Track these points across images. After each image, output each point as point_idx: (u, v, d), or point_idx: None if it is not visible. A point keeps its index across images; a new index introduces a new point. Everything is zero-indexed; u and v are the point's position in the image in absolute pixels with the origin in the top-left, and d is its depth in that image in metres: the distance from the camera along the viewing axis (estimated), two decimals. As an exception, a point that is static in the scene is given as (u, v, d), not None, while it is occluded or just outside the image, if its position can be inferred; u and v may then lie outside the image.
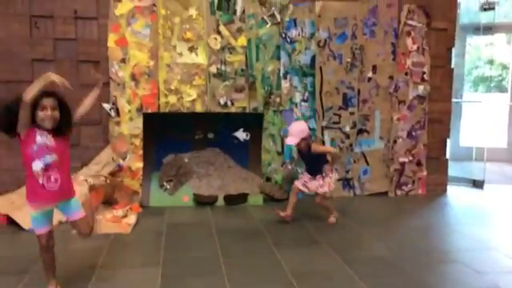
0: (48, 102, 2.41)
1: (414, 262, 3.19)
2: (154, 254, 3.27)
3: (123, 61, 4.59)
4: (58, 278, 2.77)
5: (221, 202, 4.66)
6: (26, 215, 3.84)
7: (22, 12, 4.45)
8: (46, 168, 2.41)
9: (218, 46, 4.73)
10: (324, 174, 4.00)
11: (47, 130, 2.43)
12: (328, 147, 4.31)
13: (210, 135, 4.81)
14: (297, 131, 3.94)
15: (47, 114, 2.40)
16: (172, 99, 4.69)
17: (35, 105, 2.38)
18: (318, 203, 4.09)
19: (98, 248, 3.38)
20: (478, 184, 5.70)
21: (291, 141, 3.94)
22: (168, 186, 4.66)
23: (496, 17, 6.12)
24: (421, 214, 4.52)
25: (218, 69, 4.75)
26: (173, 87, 4.69)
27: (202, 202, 4.62)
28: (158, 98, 4.68)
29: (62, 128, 2.47)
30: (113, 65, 4.57)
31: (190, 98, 4.73)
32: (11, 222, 3.85)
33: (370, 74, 5.06)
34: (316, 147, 4.04)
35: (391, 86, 5.12)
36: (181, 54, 4.69)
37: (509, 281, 2.93)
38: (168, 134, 4.63)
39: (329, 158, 4.09)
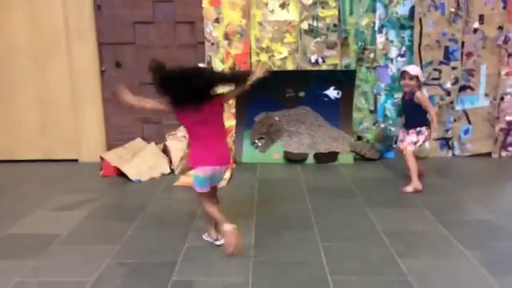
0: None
1: (520, 228, 2.98)
2: (248, 207, 3.42)
3: (217, 20, 4.68)
4: (160, 221, 3.04)
5: (311, 160, 4.69)
6: (133, 167, 4.22)
7: (122, -24, 4.69)
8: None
9: (310, 1, 4.61)
10: (418, 130, 3.76)
11: None
12: (431, 106, 3.84)
13: (301, 93, 4.79)
14: (417, 68, 3.87)
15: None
16: (263, 57, 4.72)
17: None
18: (406, 161, 3.81)
19: (196, 199, 3.61)
20: None
21: (412, 70, 3.73)
22: (259, 144, 4.79)
23: None
24: (529, 178, 4.17)
25: (309, 25, 4.65)
26: (264, 45, 4.71)
27: (292, 159, 4.69)
28: (250, 57, 4.74)
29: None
30: (207, 25, 4.68)
31: (282, 56, 4.73)
32: (120, 174, 4.25)
33: (476, 25, 4.63)
34: (421, 96, 3.74)
35: (500, 38, 4.65)
36: (272, 12, 4.66)
37: None
38: (259, 92, 4.69)
39: (429, 116, 3.80)
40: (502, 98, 4.73)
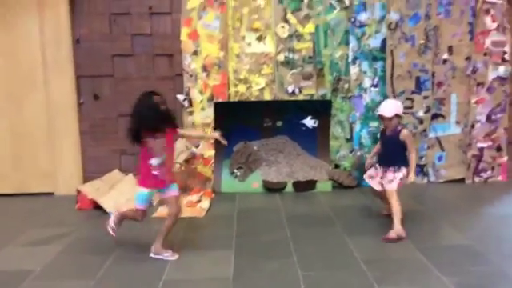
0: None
1: (497, 252, 3.03)
2: (226, 238, 3.40)
3: (195, 53, 4.75)
4: (137, 254, 3.00)
5: (290, 188, 4.71)
6: (110, 200, 4.16)
7: (103, 11, 4.75)
8: (161, 164, 3.01)
9: (286, 34, 4.75)
10: (397, 168, 3.45)
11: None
12: (414, 148, 3.50)
13: (279, 123, 4.86)
14: (392, 106, 3.51)
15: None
16: (241, 88, 4.80)
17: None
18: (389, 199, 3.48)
19: (174, 231, 3.57)
20: None
21: (387, 112, 3.42)
22: (238, 173, 4.80)
23: None
24: (501, 203, 4.27)
25: (285, 57, 4.77)
26: (242, 77, 4.80)
27: (271, 188, 4.71)
28: (228, 88, 4.81)
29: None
30: (185, 57, 4.75)
31: (259, 87, 4.81)
32: (97, 207, 4.18)
33: (445, 56, 4.83)
34: (408, 134, 3.45)
35: (469, 68, 4.85)
36: (249, 44, 4.77)
37: None
38: (238, 122, 4.75)
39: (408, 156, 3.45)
40: (473, 126, 4.89)
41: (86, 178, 4.75)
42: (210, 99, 4.79)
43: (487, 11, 4.77)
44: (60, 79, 4.69)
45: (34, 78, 4.70)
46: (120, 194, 4.28)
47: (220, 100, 4.77)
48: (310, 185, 4.71)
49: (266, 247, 3.23)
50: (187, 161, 4.65)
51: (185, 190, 4.46)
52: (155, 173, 2.98)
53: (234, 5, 4.72)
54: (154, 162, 2.96)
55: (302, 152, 4.87)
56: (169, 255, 3.05)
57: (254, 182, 4.77)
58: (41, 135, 4.75)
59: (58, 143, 4.75)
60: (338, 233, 3.47)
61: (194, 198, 4.26)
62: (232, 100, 4.80)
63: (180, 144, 4.75)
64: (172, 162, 3.21)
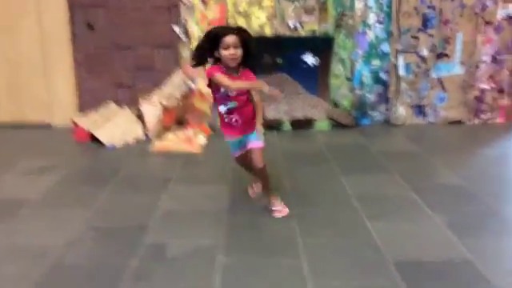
0: (231, 39, 2.48)
1: (490, 192, 3.05)
2: (222, 173, 3.42)
3: (192, -18, 4.54)
4: (133, 185, 3.02)
5: (287, 126, 4.68)
6: (106, 132, 4.15)
7: None
8: (229, 111, 2.65)
9: (289, -36, 4.50)
10: None
11: (232, 68, 2.55)
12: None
13: (279, 60, 4.74)
14: None
15: (230, 52, 2.48)
16: (240, 22, 4.62)
17: (218, 43, 2.49)
18: None
19: (172, 164, 3.59)
20: None
21: None
22: (236, 110, 4.74)
23: None
24: (498, 144, 4.26)
25: (287, -11, 4.56)
26: (241, 9, 4.61)
27: (268, 125, 4.67)
28: (227, 21, 4.63)
29: (247, 64, 2.60)
30: (182, -14, 4.54)
31: (259, 21, 4.64)
32: (93, 139, 4.18)
33: (454, -8, 4.61)
34: None
35: (477, 5, 4.64)
36: (250, -26, 4.54)
37: None
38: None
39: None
40: (477, 66, 4.76)
41: (82, 110, 4.70)
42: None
43: None
44: (52, 8, 4.51)
45: (25, 6, 4.52)
46: (116, 126, 4.26)
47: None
48: (307, 123, 4.68)
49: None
50: (185, 96, 4.58)
51: (181, 123, 4.44)
52: (226, 120, 2.70)
53: None
54: (221, 109, 2.67)
55: (303, 91, 4.79)
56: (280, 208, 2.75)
57: (252, 119, 4.73)
58: (35, 65, 4.65)
59: (53, 73, 4.66)
60: (333, 171, 3.49)
61: (190, 132, 4.24)
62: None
63: (177, 78, 4.67)
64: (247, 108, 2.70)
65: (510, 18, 4.66)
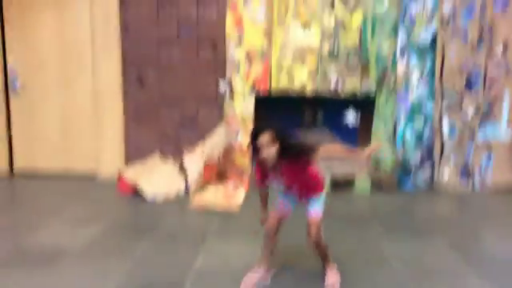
0: (261, 140, 2.37)
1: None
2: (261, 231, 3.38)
3: (239, 41, 4.73)
4: (172, 240, 3.04)
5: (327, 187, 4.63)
6: (150, 185, 4.24)
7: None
8: (286, 191, 2.59)
9: (332, 24, 4.62)
10: None
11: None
12: None
13: (319, 117, 4.77)
14: None
15: (262, 155, 2.37)
16: (283, 79, 4.74)
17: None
18: None
19: (210, 220, 3.61)
20: None
21: None
22: (276, 165, 4.75)
23: None
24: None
25: (330, 48, 4.66)
26: (284, 67, 4.73)
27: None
28: (270, 78, 4.76)
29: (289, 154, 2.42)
30: (229, 45, 4.74)
31: (301, 79, 4.73)
32: (136, 191, 4.28)
33: (499, 52, 4.56)
34: None
35: (524, 66, 4.56)
36: (294, 34, 4.68)
37: None
38: (278, 113, 4.69)
39: None
40: (526, 128, 4.61)
41: (128, 160, 4.89)
42: (252, 89, 4.76)
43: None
44: (107, 64, 4.81)
45: (82, 63, 4.86)
46: (159, 179, 4.36)
47: (261, 91, 4.73)
48: (347, 184, 4.61)
49: (299, 245, 3.18)
50: (226, 150, 4.66)
51: (222, 178, 4.49)
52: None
53: (280, -6, 4.64)
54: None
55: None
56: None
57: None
58: (88, 117, 4.93)
59: (104, 126, 4.90)
60: (377, 235, 3.39)
61: (230, 187, 4.27)
62: (273, 92, 4.74)
63: (219, 133, 4.77)
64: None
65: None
